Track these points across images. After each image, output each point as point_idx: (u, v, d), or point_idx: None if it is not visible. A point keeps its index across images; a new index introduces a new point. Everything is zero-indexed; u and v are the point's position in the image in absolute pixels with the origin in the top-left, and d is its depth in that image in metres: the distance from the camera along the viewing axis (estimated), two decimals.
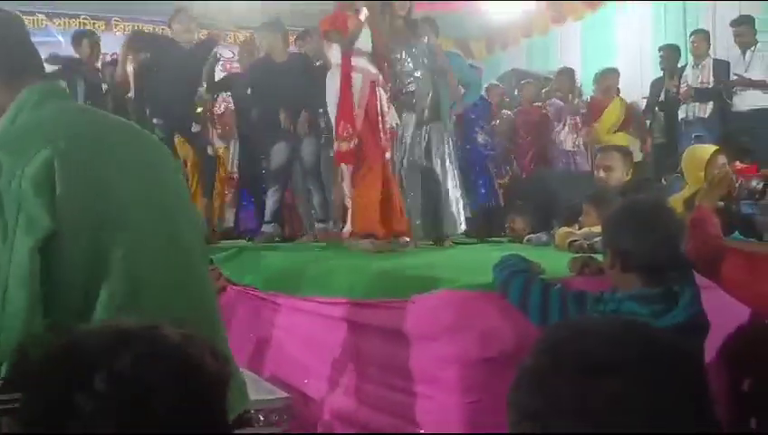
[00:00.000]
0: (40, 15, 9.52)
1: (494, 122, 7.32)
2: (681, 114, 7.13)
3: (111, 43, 9.24)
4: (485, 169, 6.70)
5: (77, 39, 6.61)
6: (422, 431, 2.50)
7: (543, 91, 8.08)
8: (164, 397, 0.82)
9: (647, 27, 8.74)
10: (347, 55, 4.66)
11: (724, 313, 2.39)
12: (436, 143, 5.16)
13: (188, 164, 6.01)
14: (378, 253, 4.28)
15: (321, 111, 5.39)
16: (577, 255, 3.08)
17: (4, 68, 1.63)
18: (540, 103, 7.84)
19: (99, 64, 6.82)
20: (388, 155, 4.71)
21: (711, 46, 7.19)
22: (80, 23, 9.88)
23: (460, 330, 2.37)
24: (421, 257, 4.12)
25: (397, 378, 2.66)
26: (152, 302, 1.55)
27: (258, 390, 3.05)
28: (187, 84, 5.74)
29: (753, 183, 2.81)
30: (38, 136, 1.52)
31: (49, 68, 5.09)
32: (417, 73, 5.09)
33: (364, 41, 4.69)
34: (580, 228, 3.95)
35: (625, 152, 4.49)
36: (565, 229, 4.02)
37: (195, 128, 6.07)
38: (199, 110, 6.45)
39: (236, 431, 1.80)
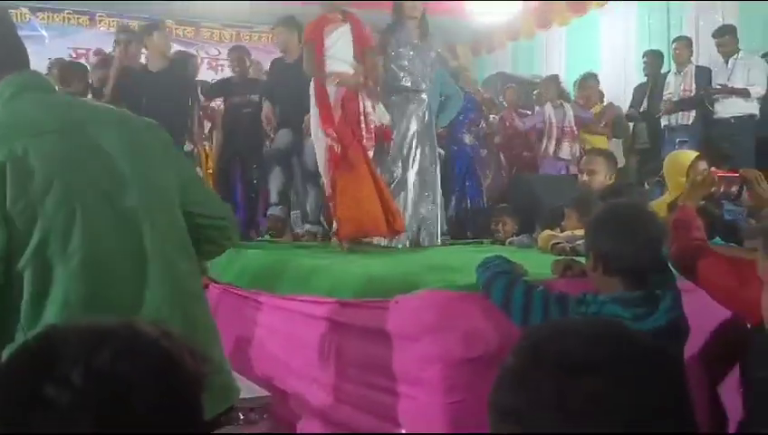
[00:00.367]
0: (23, 9, 9.42)
1: (481, 125, 7.35)
2: (664, 121, 7.20)
3: (95, 40, 9.19)
4: (473, 170, 6.72)
5: None
6: (403, 431, 2.50)
7: (534, 92, 8.13)
8: (142, 393, 0.82)
9: (631, 33, 8.81)
10: (320, 63, 4.68)
11: (705, 316, 2.41)
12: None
13: None
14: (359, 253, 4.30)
15: None
16: (560, 257, 3.09)
17: None
18: (527, 111, 7.91)
19: None
20: (371, 154, 4.72)
21: (693, 53, 7.26)
22: (64, 17, 9.81)
23: (443, 330, 2.38)
24: (405, 258, 4.12)
25: (379, 377, 2.66)
26: (111, 306, 1.54)
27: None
28: (172, 107, 5.70)
29: (723, 186, 2.85)
30: (1, 136, 1.51)
31: None
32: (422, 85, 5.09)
33: (345, 45, 4.70)
34: (562, 231, 3.98)
35: (608, 156, 4.52)
36: (548, 232, 4.04)
37: (188, 147, 6.08)
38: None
39: (220, 429, 1.77)
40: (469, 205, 6.57)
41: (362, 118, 4.64)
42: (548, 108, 7.38)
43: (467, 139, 6.73)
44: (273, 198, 5.73)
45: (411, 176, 5.01)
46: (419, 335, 2.44)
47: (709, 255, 2.23)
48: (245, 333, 3.77)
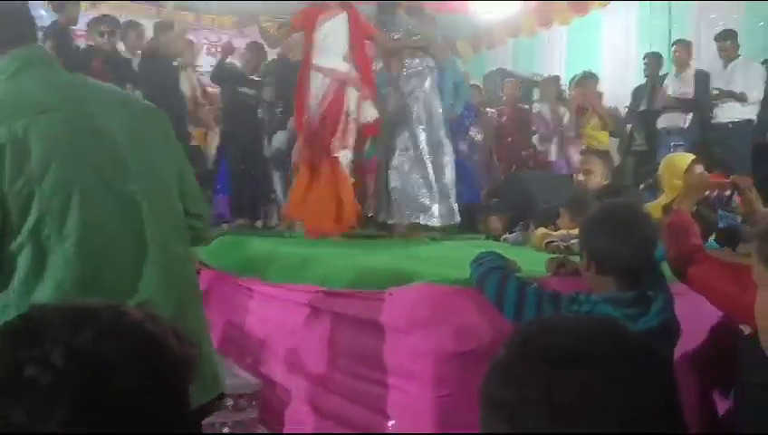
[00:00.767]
0: None
1: (475, 126, 7.35)
2: (661, 123, 7.21)
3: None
4: (467, 168, 6.73)
5: None
6: (392, 423, 2.51)
7: (536, 93, 8.15)
8: (125, 374, 0.81)
9: (632, 34, 8.81)
10: (307, 56, 4.66)
11: (696, 319, 2.42)
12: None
13: None
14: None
15: None
16: (554, 255, 3.10)
17: None
18: (526, 105, 7.91)
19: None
20: (346, 153, 4.69)
21: (693, 56, 7.27)
22: None
23: (436, 323, 2.38)
24: (398, 252, 4.12)
25: (369, 369, 2.66)
26: (110, 291, 1.53)
27: (228, 375, 3.04)
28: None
29: (717, 191, 2.86)
30: (2, 113, 1.50)
31: None
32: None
33: (339, 39, 4.67)
34: (557, 230, 3.98)
35: (605, 157, 4.54)
36: (542, 230, 4.05)
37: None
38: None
39: (210, 416, 1.77)
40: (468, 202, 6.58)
41: (342, 117, 4.63)
42: (545, 109, 7.40)
43: (463, 144, 6.73)
44: (282, 198, 5.80)
45: (403, 158, 4.98)
46: (412, 328, 2.44)
47: (706, 260, 2.23)
48: (236, 319, 3.77)
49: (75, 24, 6.07)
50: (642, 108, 7.58)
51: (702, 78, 7.06)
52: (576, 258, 2.43)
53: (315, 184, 4.68)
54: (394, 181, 4.91)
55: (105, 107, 1.67)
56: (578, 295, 2.16)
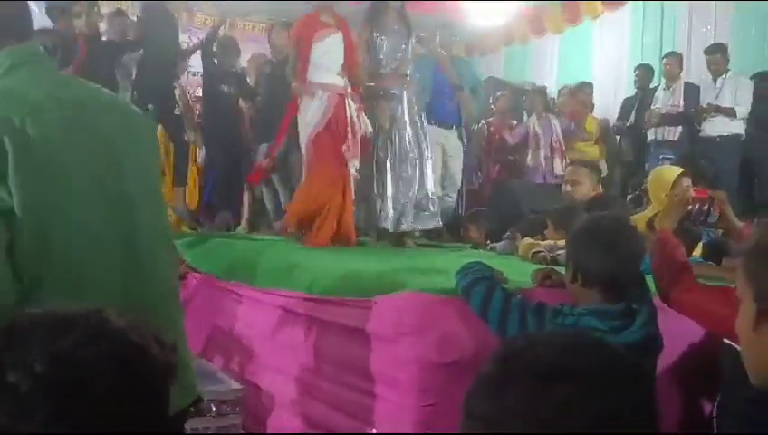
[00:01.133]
0: None
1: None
2: (651, 135, 7.25)
3: None
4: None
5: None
6: (374, 431, 2.51)
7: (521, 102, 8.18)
8: (105, 380, 0.83)
9: (624, 45, 8.85)
10: (302, 73, 4.66)
11: (680, 333, 2.43)
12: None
13: (163, 151, 6.00)
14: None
15: None
16: (540, 266, 3.11)
17: None
18: (514, 122, 7.94)
19: None
20: (354, 163, 4.70)
21: (684, 70, 7.31)
22: None
23: (420, 333, 2.38)
24: (385, 259, 4.12)
25: (354, 376, 2.66)
26: (99, 292, 1.51)
27: (211, 380, 3.03)
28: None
29: (698, 206, 2.88)
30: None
31: None
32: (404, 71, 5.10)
33: (335, 57, 4.68)
34: (544, 240, 3.99)
35: (593, 168, 4.56)
36: (529, 240, 4.05)
37: (177, 110, 6.06)
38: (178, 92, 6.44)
39: (189, 420, 1.77)
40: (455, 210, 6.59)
41: (349, 128, 4.64)
42: (533, 120, 7.42)
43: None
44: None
45: (390, 162, 4.97)
46: (397, 337, 2.44)
47: (693, 285, 2.22)
48: (222, 323, 3.76)
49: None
50: (631, 120, 7.62)
51: (691, 91, 7.10)
52: (562, 269, 2.44)
53: (322, 195, 4.65)
54: (379, 188, 4.92)
55: (101, 108, 1.66)
56: (562, 308, 2.16)
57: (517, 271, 2.85)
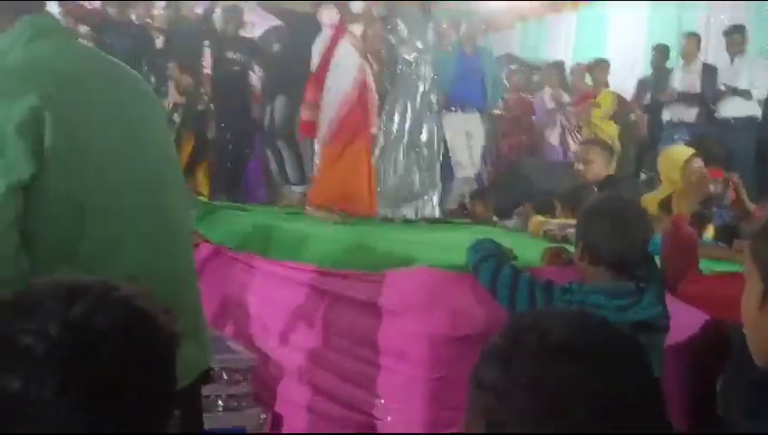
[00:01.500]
0: None
1: None
2: (666, 116, 7.18)
3: None
4: None
5: None
6: (382, 402, 2.55)
7: (535, 79, 8.10)
8: (114, 345, 0.86)
9: (641, 24, 8.76)
10: (343, 19, 4.62)
11: (687, 314, 2.45)
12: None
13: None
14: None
15: None
16: (550, 244, 3.13)
17: None
18: (529, 95, 7.88)
19: None
20: (373, 130, 4.71)
21: (702, 50, 7.23)
22: None
23: (431, 307, 2.41)
24: (396, 234, 4.14)
25: (364, 348, 2.69)
26: (126, 263, 1.52)
27: (223, 349, 3.08)
28: None
29: (713, 187, 2.87)
30: (27, 79, 1.47)
31: None
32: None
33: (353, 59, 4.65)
34: (554, 218, 4.01)
35: (605, 147, 4.54)
36: (540, 218, 4.07)
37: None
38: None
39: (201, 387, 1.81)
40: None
41: (370, 94, 4.62)
42: (547, 95, 7.37)
43: None
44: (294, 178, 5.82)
45: (404, 144, 4.98)
46: (408, 311, 2.47)
47: (700, 276, 2.22)
48: (233, 294, 3.79)
49: None
50: (647, 100, 7.56)
51: (709, 72, 7.04)
52: (572, 247, 2.46)
53: (344, 163, 4.59)
54: (387, 171, 4.93)
55: (123, 82, 1.67)
56: (570, 285, 2.18)
57: (527, 249, 2.86)
